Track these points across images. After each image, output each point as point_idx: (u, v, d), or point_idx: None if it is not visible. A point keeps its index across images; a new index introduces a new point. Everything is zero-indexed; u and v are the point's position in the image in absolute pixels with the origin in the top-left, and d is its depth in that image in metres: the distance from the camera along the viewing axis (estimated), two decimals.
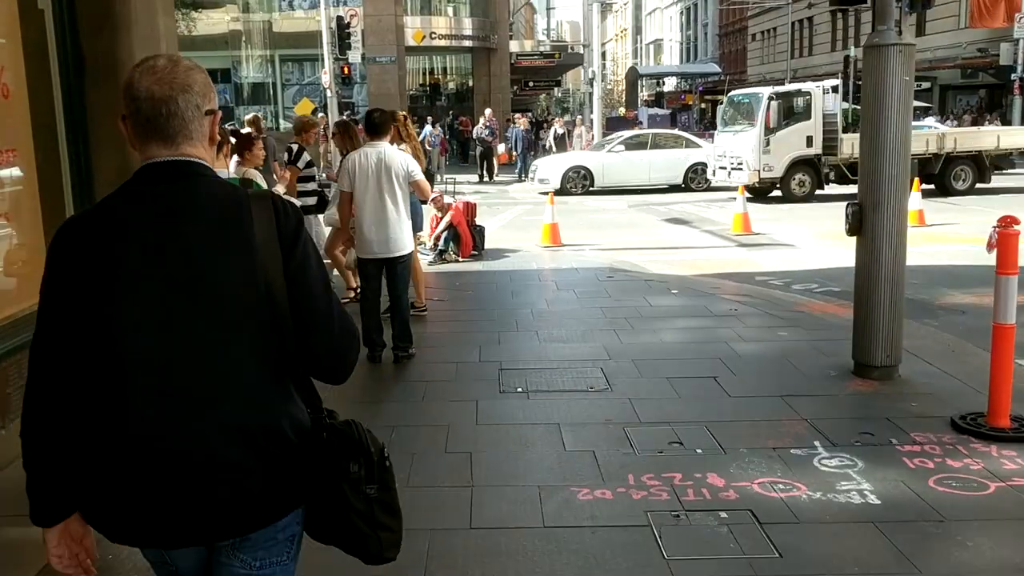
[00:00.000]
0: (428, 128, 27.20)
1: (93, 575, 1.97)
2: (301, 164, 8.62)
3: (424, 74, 44.75)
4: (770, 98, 19.27)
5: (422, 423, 5.44)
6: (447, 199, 12.16)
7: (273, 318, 1.84)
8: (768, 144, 18.95)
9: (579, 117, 30.40)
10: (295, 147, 8.76)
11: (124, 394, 1.80)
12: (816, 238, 13.59)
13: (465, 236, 11.70)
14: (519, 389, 6.03)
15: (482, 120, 26.62)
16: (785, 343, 7.16)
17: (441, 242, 11.45)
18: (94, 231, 1.82)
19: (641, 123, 34.86)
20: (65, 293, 1.80)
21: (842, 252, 12.28)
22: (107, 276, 1.78)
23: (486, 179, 26.51)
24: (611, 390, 5.98)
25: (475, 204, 12.45)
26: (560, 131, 26.99)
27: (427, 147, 26.42)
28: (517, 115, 31.63)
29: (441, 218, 11.68)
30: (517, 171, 26.92)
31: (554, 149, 27.02)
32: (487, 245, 12.46)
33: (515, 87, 45.05)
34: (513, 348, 7.22)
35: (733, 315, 8.14)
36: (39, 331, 1.83)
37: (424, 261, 11.05)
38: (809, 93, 19.50)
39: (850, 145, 18.10)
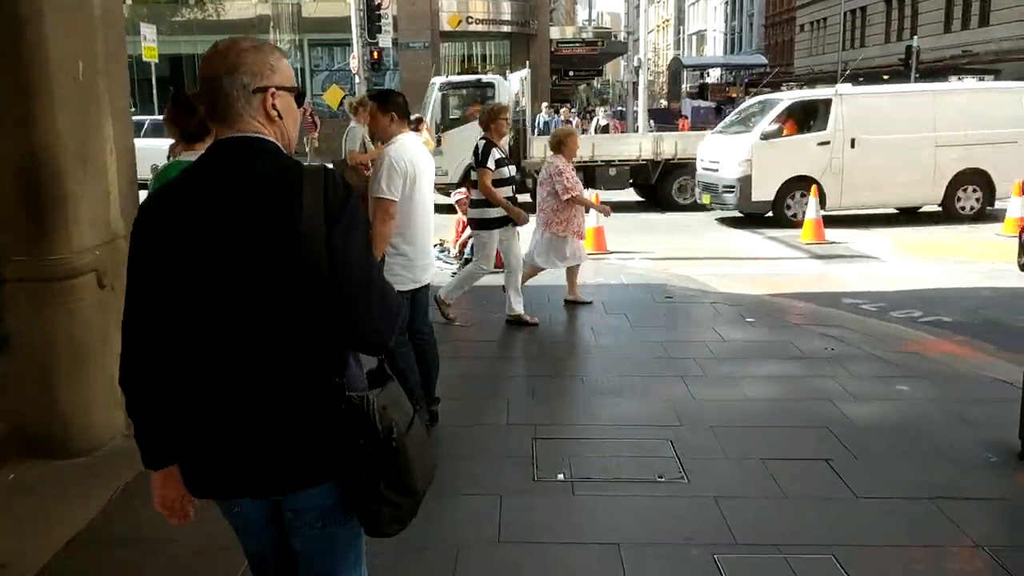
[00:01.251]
0: None
1: (190, 518, 2.18)
2: (492, 163, 7.03)
3: (460, 61, 43.12)
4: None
5: (419, 543, 3.54)
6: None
7: (318, 289, 1.93)
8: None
9: (602, 108, 28.59)
10: (482, 143, 7.14)
11: (194, 355, 1.96)
12: (900, 250, 11.75)
13: None
14: (560, 476, 4.38)
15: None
16: (910, 403, 5.42)
17: (468, 250, 9.80)
18: (162, 208, 1.99)
19: (685, 116, 33.00)
20: (142, 266, 1.98)
21: (937, 269, 10.58)
22: (173, 248, 1.93)
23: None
24: (688, 481, 4.30)
25: None
26: (604, 122, 25.23)
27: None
28: (558, 105, 29.91)
29: (467, 223, 10.04)
30: None
31: None
32: (522, 251, 10.79)
33: (554, 77, 43.25)
34: (551, 403, 5.58)
35: (831, 357, 6.40)
36: (127, 297, 2.00)
37: (447, 272, 9.44)
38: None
39: None
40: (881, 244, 12.25)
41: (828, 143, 13.86)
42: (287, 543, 2.14)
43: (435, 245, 10.59)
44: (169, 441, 2.04)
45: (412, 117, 12.09)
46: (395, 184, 4.59)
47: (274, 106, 2.02)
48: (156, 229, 1.96)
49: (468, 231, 9.73)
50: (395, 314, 2.07)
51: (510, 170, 7.40)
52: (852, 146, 13.78)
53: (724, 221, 14.96)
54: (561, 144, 8.03)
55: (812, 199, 12.57)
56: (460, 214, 10.13)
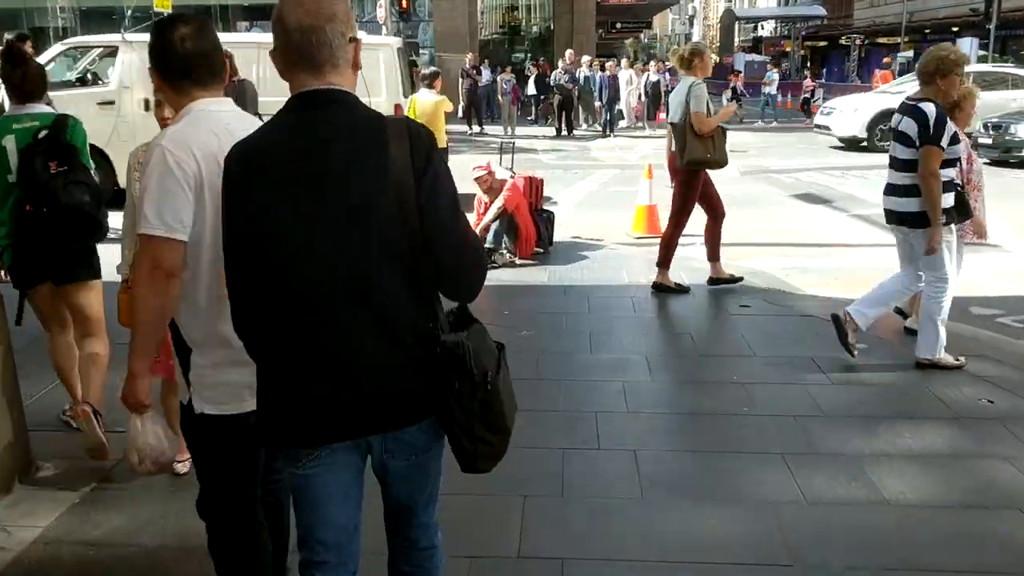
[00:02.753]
0: (487, 73, 23.57)
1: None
2: (946, 141, 4.94)
3: (503, 13, 40.85)
4: None
5: None
6: (501, 172, 8.61)
7: (407, 235, 1.96)
8: None
9: (653, 63, 26.34)
10: (933, 111, 4.96)
11: (288, 301, 1.97)
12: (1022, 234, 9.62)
13: (526, 228, 8.15)
14: None
15: (561, 64, 22.79)
16: None
17: (490, 236, 7.92)
18: (254, 157, 1.98)
19: (738, 71, 30.57)
20: (225, 208, 2.01)
21: None
22: (267, 197, 1.95)
23: (564, 134, 22.79)
24: None
25: (541, 180, 8.85)
26: (655, 78, 23.01)
27: (499, 97, 22.91)
28: (603, 59, 27.69)
29: (490, 202, 8.14)
30: (602, 124, 23.10)
31: (644, 99, 23.07)
32: (557, 235, 8.91)
33: (600, 30, 40.81)
34: (591, 508, 3.71)
35: (992, 416, 4.46)
36: (223, 238, 2.03)
37: None
38: None
39: None
40: (994, 225, 10.10)
41: None
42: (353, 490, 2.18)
43: None
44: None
45: (426, 71, 10.22)
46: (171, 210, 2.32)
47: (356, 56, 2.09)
48: (254, 176, 1.96)
49: (493, 213, 7.83)
50: (483, 258, 2.18)
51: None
52: None
53: (798, 196, 12.84)
54: None
55: None
56: (481, 192, 8.24)
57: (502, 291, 7.17)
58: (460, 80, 22.56)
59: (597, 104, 23.09)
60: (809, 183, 14.04)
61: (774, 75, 26.98)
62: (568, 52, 23.09)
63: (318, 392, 1.99)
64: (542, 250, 8.39)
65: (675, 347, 5.71)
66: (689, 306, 6.69)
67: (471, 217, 8.54)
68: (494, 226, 7.91)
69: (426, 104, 9.40)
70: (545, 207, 9.07)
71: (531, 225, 8.24)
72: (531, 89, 23.18)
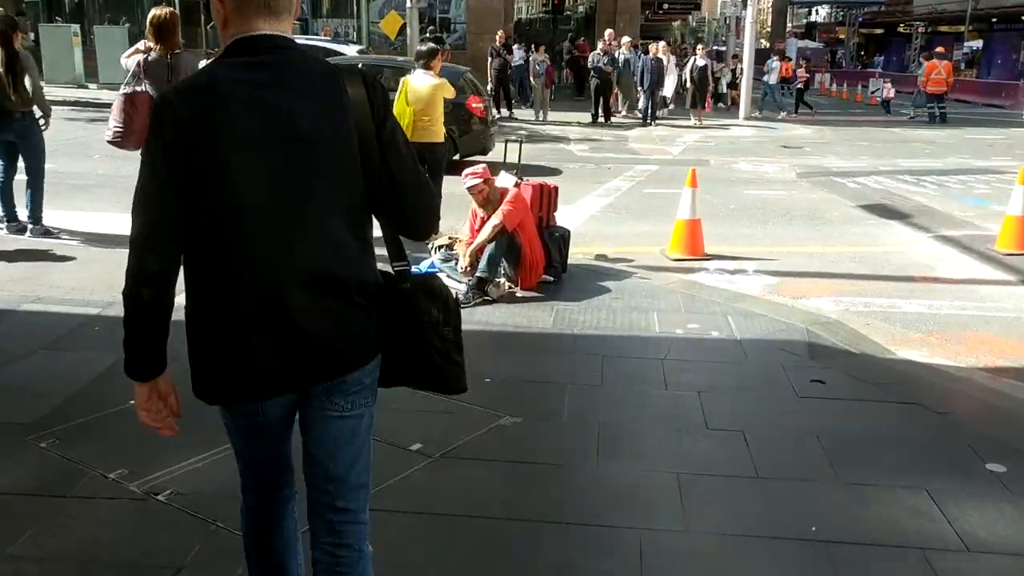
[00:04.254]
0: (519, 53, 21.68)
1: (175, 431, 2.19)
2: None
3: None
4: None
5: None
6: (503, 179, 6.84)
7: (366, 177, 2.01)
8: None
9: (700, 47, 24.17)
10: None
11: (227, 246, 1.94)
12: None
13: (531, 251, 6.37)
14: None
15: (600, 44, 20.82)
16: None
17: (483, 261, 6.15)
18: (199, 96, 1.93)
19: (789, 58, 28.34)
20: (170, 154, 1.91)
21: None
22: (214, 136, 1.90)
23: (601, 120, 20.87)
24: None
25: (555, 189, 7.05)
26: (702, 63, 20.94)
27: (531, 78, 21.04)
28: (647, 42, 25.63)
29: (487, 217, 6.36)
30: (642, 112, 21.14)
31: (690, 86, 21.05)
32: (575, 248, 7.15)
33: (646, 11, 38.61)
34: None
35: None
36: (142, 189, 1.95)
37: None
38: None
39: None
40: None
41: None
42: (287, 445, 2.24)
43: (439, 247, 7.02)
44: (163, 350, 2.05)
45: (421, 48, 8.44)
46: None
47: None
48: (213, 120, 1.91)
49: (488, 232, 6.08)
50: (437, 198, 2.30)
51: None
52: None
53: (868, 207, 10.89)
54: None
55: (1020, 188, 8.37)
56: (475, 204, 6.47)
57: (488, 342, 5.41)
58: (489, 60, 20.75)
59: (638, 89, 21.12)
60: (878, 191, 12.06)
61: (774, 63, 24.56)
62: (607, 32, 21.11)
63: (263, 341, 1.96)
64: (552, 279, 6.62)
65: (721, 460, 3.93)
66: (740, 378, 4.88)
67: (463, 235, 6.79)
68: (489, 248, 6.15)
69: (420, 89, 7.64)
70: (559, 220, 7.27)
71: (538, 247, 6.46)
72: (539, 69, 21.20)
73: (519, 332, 5.54)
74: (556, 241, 6.73)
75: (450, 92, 7.74)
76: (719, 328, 5.68)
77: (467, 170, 6.36)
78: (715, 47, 43.58)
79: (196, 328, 2.02)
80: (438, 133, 7.68)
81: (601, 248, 8.17)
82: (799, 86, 25.09)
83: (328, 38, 22.02)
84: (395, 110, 7.64)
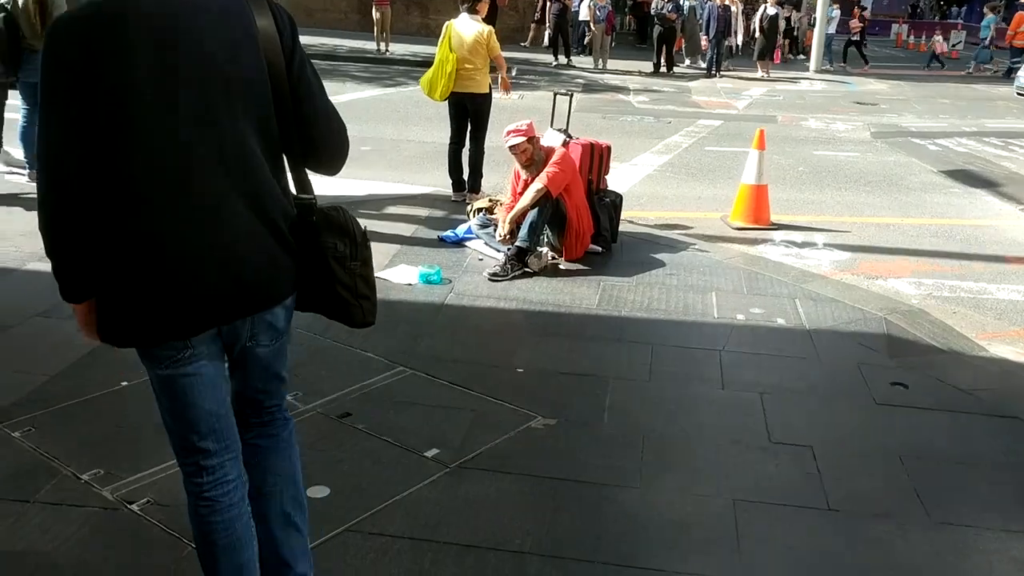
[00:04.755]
0: None
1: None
2: None
3: None
4: None
5: None
6: (551, 137, 6.24)
7: (277, 110, 1.98)
8: None
9: None
10: None
11: (137, 181, 1.87)
12: None
13: (579, 219, 5.78)
14: None
15: None
16: None
17: (524, 229, 5.58)
18: (99, 24, 1.82)
19: (863, 7, 26.82)
20: (70, 85, 1.81)
21: None
22: (116, 66, 1.80)
23: (663, 70, 19.95)
24: None
25: (607, 148, 6.40)
26: (772, 11, 19.76)
27: (591, 24, 20.12)
28: None
29: (531, 180, 5.77)
30: (707, 63, 20.15)
31: (759, 36, 19.93)
32: (627, 213, 6.55)
33: None
34: None
35: None
36: (47, 126, 1.85)
37: (483, 274, 5.38)
38: None
39: None
40: None
41: None
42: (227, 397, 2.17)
43: (478, 210, 6.46)
44: (91, 277, 1.98)
45: None
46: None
47: None
48: (90, 45, 1.80)
49: (530, 196, 5.51)
50: (345, 136, 2.16)
51: None
52: None
53: (951, 173, 10.01)
54: None
55: None
56: (518, 165, 5.88)
57: (525, 322, 4.87)
58: (548, 4, 19.87)
59: (703, 38, 20.10)
60: (962, 155, 11.13)
61: (834, 11, 22.96)
62: None
63: (185, 276, 1.92)
64: (600, 249, 6.03)
65: (786, 484, 3.35)
66: (809, 379, 4.27)
67: (504, 198, 6.22)
68: (531, 215, 5.57)
69: (465, 37, 7.01)
70: (612, 181, 6.65)
71: (586, 214, 5.86)
72: (583, 14, 20.12)
73: (560, 312, 4.98)
74: (606, 207, 6.12)
75: (496, 45, 7.07)
76: (785, 315, 5.05)
77: (510, 126, 5.75)
78: None
79: (115, 265, 1.93)
80: (483, 83, 7.06)
81: (657, 212, 7.54)
82: (854, 37, 23.68)
83: None
84: (438, 56, 7.05)
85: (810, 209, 8.01)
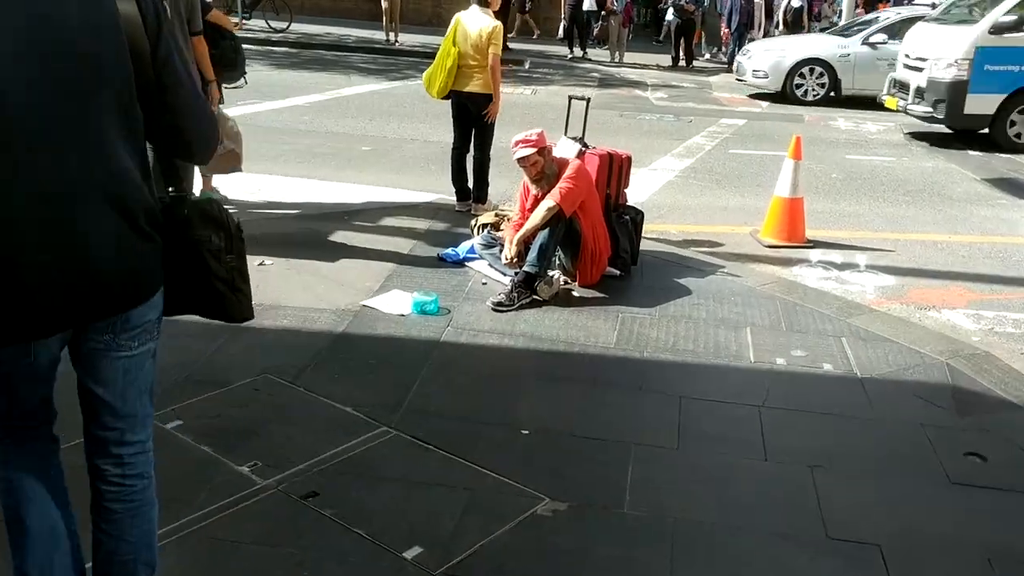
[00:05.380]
0: None
1: None
2: None
3: None
4: None
5: None
6: (564, 147, 5.59)
7: (140, 95, 1.87)
8: None
9: None
10: None
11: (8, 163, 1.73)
12: None
13: (595, 239, 5.12)
14: None
15: None
16: None
17: (532, 252, 4.93)
18: None
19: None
20: None
21: None
22: None
23: (682, 64, 19.21)
24: None
25: (627, 158, 5.73)
26: (797, 3, 18.97)
27: (608, 16, 19.39)
28: None
29: (542, 195, 5.11)
30: (727, 56, 19.41)
31: (783, 28, 19.16)
32: (648, 230, 5.92)
33: None
34: None
35: None
36: None
37: (486, 303, 4.74)
38: None
39: None
40: None
41: None
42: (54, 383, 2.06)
43: (483, 225, 5.81)
44: None
45: None
46: None
47: None
48: None
49: (540, 216, 4.86)
50: (215, 126, 2.12)
51: None
52: None
53: (995, 182, 9.28)
54: None
55: None
56: (527, 179, 5.22)
57: (532, 364, 4.22)
58: None
59: (724, 30, 19.34)
60: (1005, 161, 10.39)
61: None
62: None
63: (40, 272, 1.76)
64: (618, 273, 5.37)
65: None
66: (867, 446, 3.61)
67: (513, 214, 5.57)
68: (541, 236, 4.92)
69: (470, 31, 6.34)
70: (631, 189, 5.98)
71: (603, 234, 5.20)
72: (587, 3, 19.20)
73: (573, 352, 4.33)
74: (625, 226, 5.46)
75: (497, 44, 6.37)
76: (832, 358, 4.38)
77: (517, 136, 5.09)
78: None
79: None
80: (487, 84, 6.39)
81: (680, 226, 6.88)
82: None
83: None
84: (440, 49, 6.40)
85: (847, 223, 7.32)
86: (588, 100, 5.92)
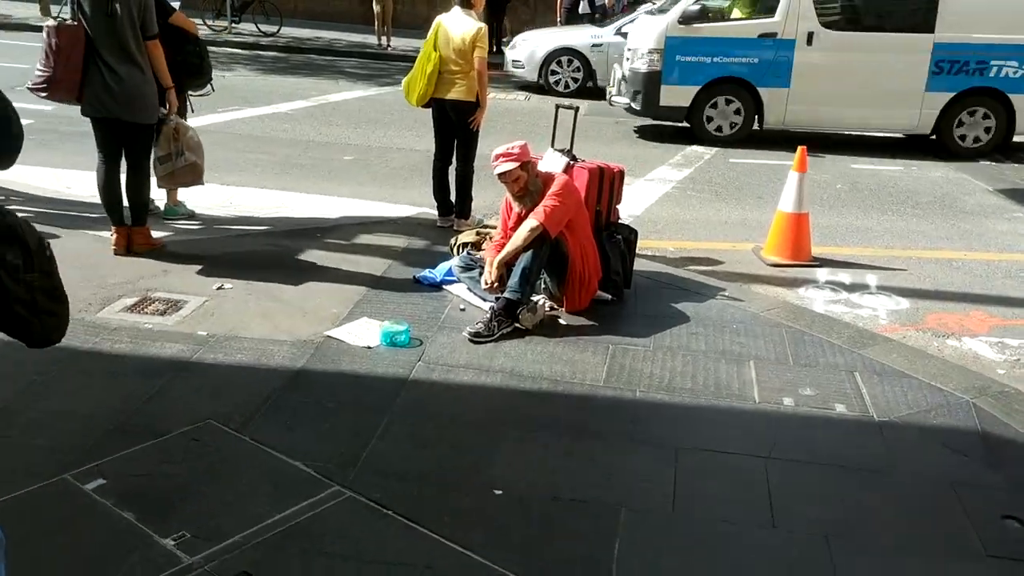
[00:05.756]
0: None
1: None
2: None
3: None
4: None
5: None
6: (550, 160, 5.18)
7: None
8: None
9: None
10: None
11: None
12: None
13: (583, 261, 4.68)
14: None
15: None
16: None
17: (515, 276, 4.48)
18: None
19: None
20: None
21: None
22: None
23: None
24: None
25: (620, 172, 5.28)
26: None
27: (607, 9, 18.93)
28: None
29: (525, 213, 4.67)
30: None
31: None
32: (643, 245, 5.49)
33: None
34: None
35: None
36: None
37: (463, 333, 4.29)
38: None
39: None
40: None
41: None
42: None
43: (463, 244, 5.38)
44: None
45: None
46: None
47: None
48: None
49: (522, 237, 4.42)
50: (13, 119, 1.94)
51: None
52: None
53: (1009, 193, 8.85)
54: None
55: None
56: (510, 196, 4.78)
57: (509, 406, 3.77)
58: None
59: None
60: (1018, 169, 9.94)
61: None
62: None
63: None
64: (609, 297, 4.93)
65: None
66: (888, 509, 3.17)
67: (494, 232, 5.13)
68: (524, 259, 4.48)
69: (452, 34, 5.91)
70: (624, 203, 5.54)
71: (592, 255, 4.77)
72: (581, 7, 18.61)
73: (557, 392, 3.88)
74: (617, 246, 5.02)
75: (483, 49, 5.92)
76: (845, 397, 3.94)
77: (498, 149, 4.64)
78: None
79: None
80: (470, 89, 5.95)
81: (677, 243, 6.44)
82: None
83: None
84: (420, 54, 5.99)
85: (855, 238, 6.89)
86: (577, 109, 5.48)
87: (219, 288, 4.79)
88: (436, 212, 6.32)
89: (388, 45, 18.28)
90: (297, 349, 4.12)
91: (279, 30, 19.22)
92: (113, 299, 4.58)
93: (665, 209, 7.41)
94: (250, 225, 6.15)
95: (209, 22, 19.77)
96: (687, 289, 5.21)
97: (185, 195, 6.26)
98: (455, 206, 6.23)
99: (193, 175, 5.62)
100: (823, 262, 6.15)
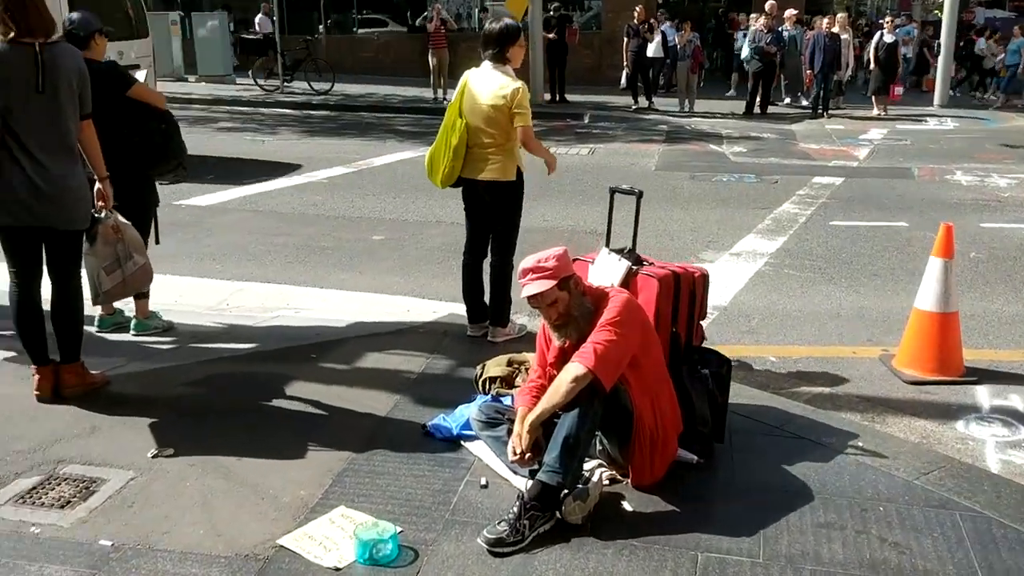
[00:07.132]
0: (670, 32, 17.97)
1: None
2: None
3: None
4: None
5: None
6: (601, 270, 3.76)
7: None
8: None
9: (888, 19, 19.57)
10: None
11: None
12: None
13: (655, 414, 3.23)
14: None
15: (761, 20, 17.06)
16: None
17: (555, 447, 3.05)
18: None
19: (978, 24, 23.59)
20: None
21: None
22: None
23: (757, 111, 17.19)
24: None
25: (703, 276, 3.82)
26: (890, 39, 16.80)
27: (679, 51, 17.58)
28: (810, 16, 21.50)
29: (568, 345, 3.25)
30: (811, 101, 17.35)
31: (875, 67, 17.00)
32: (730, 352, 3.99)
33: None
34: None
35: None
36: None
37: (478, 539, 2.83)
38: None
39: None
40: None
41: None
42: None
43: (489, 380, 3.94)
44: None
45: (493, 27, 5.19)
46: None
47: None
48: None
49: (562, 391, 2.99)
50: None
51: None
52: None
53: None
54: None
55: None
56: (548, 326, 3.37)
57: None
58: (625, 41, 17.43)
59: (807, 72, 17.30)
60: None
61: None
62: (769, 3, 17.29)
63: None
64: (695, 460, 3.47)
65: None
66: None
67: (531, 363, 3.73)
68: (568, 421, 3.06)
69: (481, 97, 4.61)
70: (702, 345, 4.08)
71: (669, 404, 3.32)
72: (652, 50, 17.09)
73: None
74: (703, 383, 3.57)
75: (525, 111, 4.59)
76: None
77: (525, 263, 3.25)
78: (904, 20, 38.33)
79: None
80: (507, 167, 4.64)
81: (780, 348, 4.96)
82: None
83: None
84: (444, 121, 4.70)
85: (1009, 333, 5.29)
86: (640, 194, 3.99)
87: (155, 456, 3.51)
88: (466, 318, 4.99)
89: (444, 98, 17.25)
90: (229, 574, 2.78)
91: (332, 87, 18.44)
92: (7, 480, 3.34)
93: (759, 297, 5.92)
94: (236, 342, 4.90)
95: (261, 82, 19.13)
96: (805, 438, 3.71)
97: (182, 295, 5.09)
98: (490, 311, 4.88)
99: (145, 278, 4.47)
100: (980, 375, 4.59)
